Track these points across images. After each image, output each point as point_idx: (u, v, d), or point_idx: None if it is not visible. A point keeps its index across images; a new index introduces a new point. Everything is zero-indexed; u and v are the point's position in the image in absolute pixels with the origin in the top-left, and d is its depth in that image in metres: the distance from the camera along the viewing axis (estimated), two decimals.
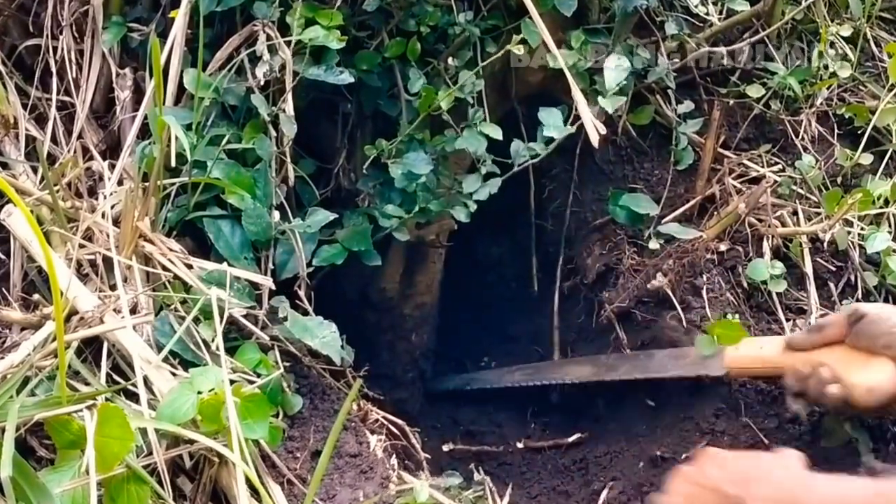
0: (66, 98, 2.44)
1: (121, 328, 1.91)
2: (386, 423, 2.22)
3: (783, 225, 2.65)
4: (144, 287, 2.02)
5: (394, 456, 2.13)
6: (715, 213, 2.67)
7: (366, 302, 2.78)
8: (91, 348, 1.95)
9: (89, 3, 2.41)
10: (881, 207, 2.59)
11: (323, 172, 2.52)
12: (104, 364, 1.91)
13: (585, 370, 2.72)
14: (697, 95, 2.82)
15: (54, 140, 2.40)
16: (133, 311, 1.96)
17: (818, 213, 2.67)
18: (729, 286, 2.56)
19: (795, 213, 2.69)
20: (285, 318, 2.10)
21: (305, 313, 2.21)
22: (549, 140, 2.40)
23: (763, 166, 2.77)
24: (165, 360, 1.91)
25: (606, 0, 2.59)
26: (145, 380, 1.85)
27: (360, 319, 2.77)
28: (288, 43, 2.22)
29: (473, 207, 2.44)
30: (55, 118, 2.41)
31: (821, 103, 2.89)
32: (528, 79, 2.61)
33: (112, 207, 2.15)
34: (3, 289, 2.17)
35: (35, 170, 2.33)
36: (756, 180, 2.72)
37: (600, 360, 2.72)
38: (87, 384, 1.87)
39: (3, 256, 2.24)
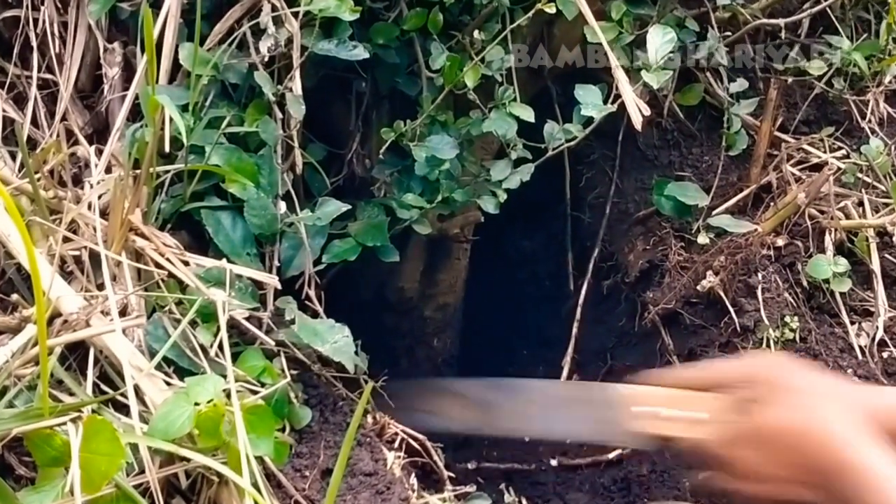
0: (49, 76, 2.42)
1: (109, 332, 1.89)
2: (405, 437, 2.20)
3: (847, 217, 2.63)
4: (135, 286, 2.01)
5: (413, 474, 2.11)
6: (771, 203, 2.65)
7: (382, 303, 2.77)
8: (76, 355, 1.93)
9: None
10: None
11: (334, 158, 2.51)
12: (90, 372, 1.89)
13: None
14: (752, 73, 2.80)
15: (35, 122, 2.38)
16: (123, 312, 1.94)
17: (887, 204, 2.66)
18: (787, 285, 2.55)
19: (861, 203, 2.68)
20: (292, 321, 2.09)
21: (315, 315, 2.19)
22: (588, 121, 2.37)
23: (825, 151, 2.76)
24: (158, 367, 1.89)
25: None
26: (136, 389, 1.82)
27: (376, 322, 2.76)
28: (295, 14, 2.19)
29: (503, 197, 2.42)
30: (36, 98, 2.39)
31: (890, 81, 2.88)
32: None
33: (99, 198, 2.13)
34: None
35: (13, 155, 2.31)
36: (817, 167, 2.71)
37: None
38: (71, 394, 1.85)
39: None
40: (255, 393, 1.88)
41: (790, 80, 2.78)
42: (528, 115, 2.38)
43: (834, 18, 2.82)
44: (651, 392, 2.13)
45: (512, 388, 2.47)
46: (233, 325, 2.01)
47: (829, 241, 2.58)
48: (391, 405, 2.28)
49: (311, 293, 2.23)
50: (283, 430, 1.99)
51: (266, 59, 2.21)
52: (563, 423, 2.35)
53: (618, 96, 2.30)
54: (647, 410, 2.11)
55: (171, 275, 2.02)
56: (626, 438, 2.20)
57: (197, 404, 1.73)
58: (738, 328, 2.48)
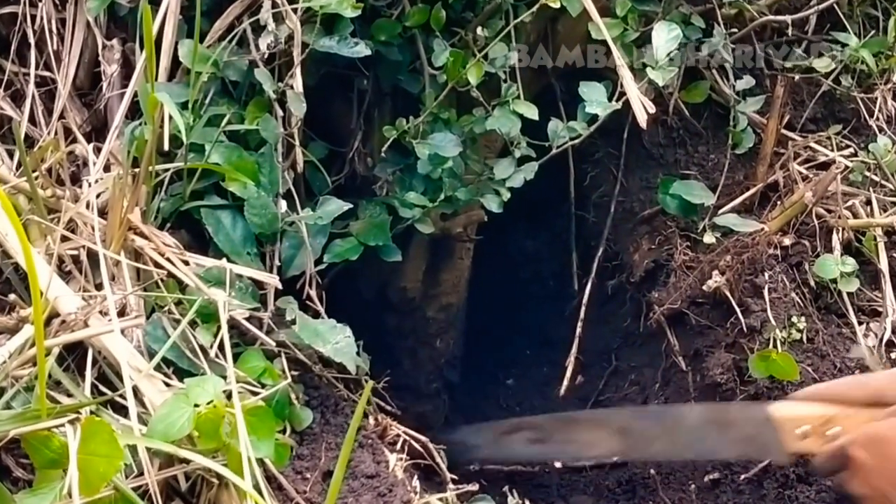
0: (47, 73, 2.42)
1: (108, 332, 1.88)
2: (407, 438, 2.19)
3: (855, 216, 2.63)
4: (134, 286, 2.00)
5: (416, 477, 2.10)
6: (778, 202, 2.65)
7: (384, 303, 2.76)
8: (74, 355, 1.93)
9: None
10: None
11: (336, 157, 2.51)
12: (89, 373, 1.88)
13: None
14: (758, 70, 2.79)
15: (33, 120, 2.38)
16: (121, 313, 1.94)
17: (895, 203, 2.64)
18: (794, 285, 2.54)
19: (869, 202, 2.68)
20: (293, 322, 2.08)
21: (316, 316, 2.19)
22: (592, 119, 2.36)
23: (832, 150, 2.76)
24: (158, 368, 1.89)
25: None
26: (135, 391, 1.82)
27: (378, 323, 2.75)
28: (296, 10, 2.19)
29: (506, 196, 2.42)
30: (34, 96, 2.40)
31: None
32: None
33: (98, 196, 2.13)
34: None
35: (11, 154, 2.31)
36: (824, 166, 2.71)
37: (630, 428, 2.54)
38: (69, 395, 1.84)
39: None
40: (256, 394, 1.87)
41: (797, 77, 2.77)
42: (531, 112, 2.38)
43: (841, 15, 2.81)
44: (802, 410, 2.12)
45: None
46: (233, 325, 2.00)
47: (836, 241, 2.57)
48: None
49: (313, 293, 2.22)
50: (283, 431, 1.99)
51: (266, 56, 2.21)
52: (713, 444, 2.34)
53: (622, 94, 2.30)
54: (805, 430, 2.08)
55: (170, 274, 2.02)
56: (780, 457, 2.19)
57: (197, 405, 1.72)
58: (745, 328, 2.47)
